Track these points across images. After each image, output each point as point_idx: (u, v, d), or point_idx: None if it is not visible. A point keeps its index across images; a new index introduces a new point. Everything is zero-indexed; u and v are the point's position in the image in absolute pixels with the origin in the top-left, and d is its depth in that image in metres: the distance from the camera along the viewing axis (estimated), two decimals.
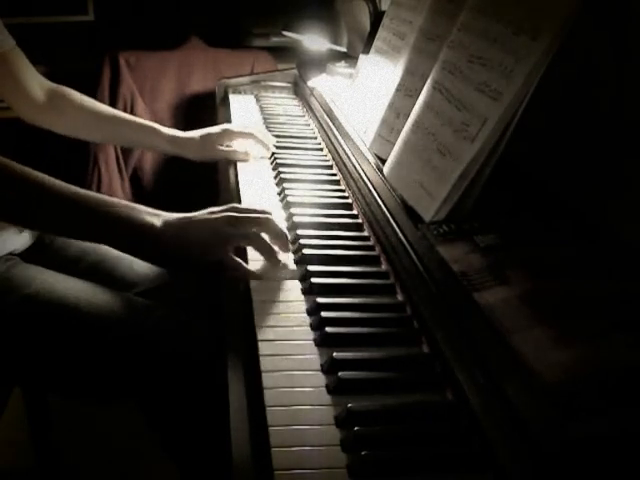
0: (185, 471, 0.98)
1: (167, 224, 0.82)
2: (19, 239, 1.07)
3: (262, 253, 0.81)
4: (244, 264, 0.80)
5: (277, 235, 0.83)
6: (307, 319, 0.71)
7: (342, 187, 1.06)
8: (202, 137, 1.18)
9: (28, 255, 1.08)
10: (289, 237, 0.85)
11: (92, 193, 0.84)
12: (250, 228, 0.82)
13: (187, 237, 0.81)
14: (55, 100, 1.19)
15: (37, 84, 1.18)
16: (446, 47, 0.81)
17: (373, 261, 0.83)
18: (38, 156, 1.22)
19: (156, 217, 0.82)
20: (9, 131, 1.63)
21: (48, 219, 0.83)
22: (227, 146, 1.19)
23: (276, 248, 0.82)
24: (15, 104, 1.18)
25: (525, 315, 0.55)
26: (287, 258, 0.83)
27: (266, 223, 0.83)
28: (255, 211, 0.84)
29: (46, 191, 0.80)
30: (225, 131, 1.19)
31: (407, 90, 0.94)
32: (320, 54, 1.63)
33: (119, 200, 0.84)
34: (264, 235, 0.82)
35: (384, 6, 1.48)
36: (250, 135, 1.20)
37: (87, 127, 1.22)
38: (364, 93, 1.12)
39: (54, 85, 1.20)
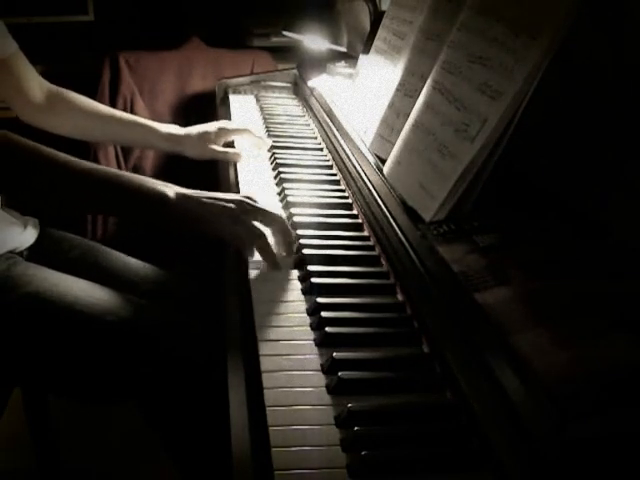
0: (185, 471, 0.98)
1: (179, 195, 0.83)
2: (20, 237, 1.07)
3: (263, 255, 0.80)
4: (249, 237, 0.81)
5: (285, 238, 0.82)
6: (307, 319, 0.71)
7: (342, 187, 1.06)
8: (199, 135, 1.18)
9: (29, 254, 1.09)
10: (294, 244, 0.84)
11: (101, 166, 0.86)
12: (260, 219, 0.82)
13: (196, 210, 0.82)
14: (54, 102, 1.20)
15: (37, 86, 1.19)
16: (446, 47, 0.81)
17: (373, 261, 0.83)
18: None
19: (168, 188, 0.83)
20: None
21: (61, 193, 0.84)
22: (224, 145, 1.19)
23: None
24: (15, 105, 1.19)
25: (525, 315, 0.55)
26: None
27: (281, 222, 0.83)
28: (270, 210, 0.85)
29: (59, 165, 0.82)
30: (221, 130, 1.20)
31: (407, 90, 0.94)
32: (320, 54, 1.62)
33: (130, 173, 0.86)
34: (269, 239, 0.82)
35: (384, 6, 1.48)
36: (245, 130, 1.20)
37: (85, 128, 1.22)
38: (364, 93, 1.12)
39: (53, 87, 1.21)
